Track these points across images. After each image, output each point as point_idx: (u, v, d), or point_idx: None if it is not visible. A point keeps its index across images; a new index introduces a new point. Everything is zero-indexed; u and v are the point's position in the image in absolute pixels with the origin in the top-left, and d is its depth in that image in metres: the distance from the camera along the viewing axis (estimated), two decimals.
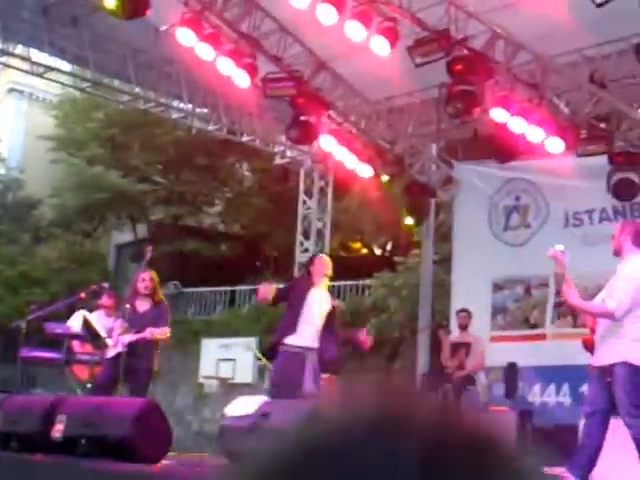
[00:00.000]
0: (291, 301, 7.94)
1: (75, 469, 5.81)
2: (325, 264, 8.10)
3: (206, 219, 22.71)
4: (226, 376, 12.99)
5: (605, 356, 6.09)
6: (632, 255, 6.21)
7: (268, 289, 7.98)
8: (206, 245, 20.48)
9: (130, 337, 8.26)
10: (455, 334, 10.94)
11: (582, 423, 6.25)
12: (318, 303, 7.82)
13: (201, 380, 13.91)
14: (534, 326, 11.94)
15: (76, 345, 9.51)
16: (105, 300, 9.81)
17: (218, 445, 6.31)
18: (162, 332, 8.37)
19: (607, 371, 6.03)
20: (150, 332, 8.23)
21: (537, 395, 11.39)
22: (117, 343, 8.37)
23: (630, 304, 6.07)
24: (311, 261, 8.37)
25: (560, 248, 6.35)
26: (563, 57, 10.08)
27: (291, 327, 7.74)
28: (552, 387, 11.30)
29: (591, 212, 11.53)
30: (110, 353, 8.48)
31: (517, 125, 9.87)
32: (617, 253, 6.33)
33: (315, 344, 7.66)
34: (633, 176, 10.00)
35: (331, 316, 7.86)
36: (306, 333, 7.67)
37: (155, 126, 19.25)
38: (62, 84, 14.22)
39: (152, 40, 10.83)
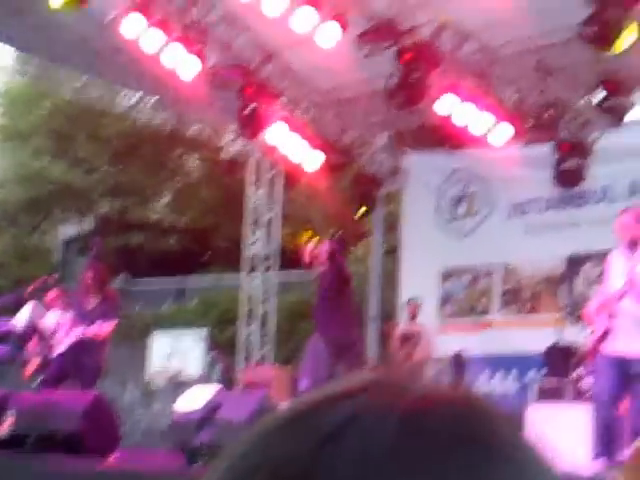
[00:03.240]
0: None
1: (25, 465, 5.72)
2: None
3: (154, 211, 22.54)
4: (176, 369, 12.90)
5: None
6: None
7: None
8: (154, 238, 20.33)
9: (79, 332, 8.19)
10: (404, 324, 11.00)
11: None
12: None
13: (150, 374, 13.80)
14: (481, 314, 12.06)
15: (26, 340, 9.39)
16: (51, 295, 9.66)
17: (169, 438, 6.27)
18: (109, 325, 8.32)
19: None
20: (97, 327, 8.18)
21: (484, 383, 11.51)
22: (66, 338, 8.31)
23: None
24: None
25: None
26: (509, 46, 10.15)
27: None
28: (499, 375, 11.43)
29: (536, 201, 11.67)
30: (59, 349, 8.40)
31: (465, 114, 9.94)
32: (634, 243, 6.19)
33: None
34: (577, 164, 10.13)
35: None
36: None
37: (102, 117, 19.03)
38: (7, 73, 13.96)
39: (99, 29, 10.68)
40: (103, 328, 8.24)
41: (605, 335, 6.03)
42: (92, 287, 8.48)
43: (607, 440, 6.07)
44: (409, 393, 0.55)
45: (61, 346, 8.39)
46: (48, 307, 9.66)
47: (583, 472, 6.05)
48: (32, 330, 9.02)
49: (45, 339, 8.88)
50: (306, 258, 8.16)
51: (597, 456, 6.09)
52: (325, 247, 8.21)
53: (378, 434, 0.53)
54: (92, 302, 8.47)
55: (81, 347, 8.20)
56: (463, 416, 0.55)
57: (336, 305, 7.81)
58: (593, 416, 6.17)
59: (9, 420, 6.09)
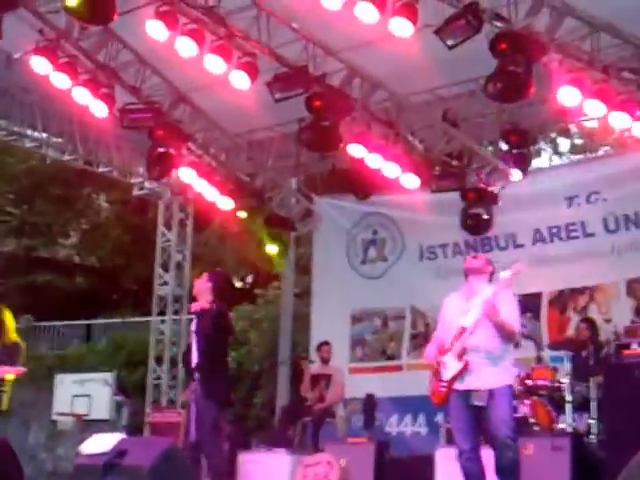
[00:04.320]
0: None
1: None
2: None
3: (61, 251, 22.12)
4: (81, 412, 12.62)
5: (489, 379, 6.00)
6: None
7: None
8: (61, 277, 19.95)
9: None
10: (316, 366, 11.01)
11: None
12: None
13: (55, 417, 13.46)
14: (391, 357, 12.18)
15: None
16: None
17: None
18: (16, 371, 8.12)
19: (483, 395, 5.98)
20: (4, 370, 7.99)
21: (394, 425, 11.59)
22: None
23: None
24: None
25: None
26: (417, 96, 10.40)
27: None
28: (409, 417, 11.53)
29: (445, 246, 11.89)
30: None
31: (374, 161, 10.11)
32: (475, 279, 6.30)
33: None
34: (483, 212, 10.40)
35: None
36: None
37: (7, 155, 18.68)
38: None
39: (4, 67, 10.55)
40: (7, 372, 8.06)
41: (460, 374, 6.05)
42: None
43: None
44: None
45: None
46: None
47: None
48: None
49: None
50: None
51: None
52: (205, 283, 7.37)
53: None
54: None
55: None
56: None
57: (216, 355, 7.15)
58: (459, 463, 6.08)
59: None
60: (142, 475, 5.20)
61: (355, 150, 10.03)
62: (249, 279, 21.07)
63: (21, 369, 8.16)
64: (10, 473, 6.06)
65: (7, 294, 9.69)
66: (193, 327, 7.36)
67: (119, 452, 5.47)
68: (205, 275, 7.61)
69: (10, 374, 8.14)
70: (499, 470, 5.90)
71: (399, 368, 11.99)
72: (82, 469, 5.75)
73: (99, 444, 5.72)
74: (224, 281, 7.98)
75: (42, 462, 14.94)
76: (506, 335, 6.01)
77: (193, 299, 7.64)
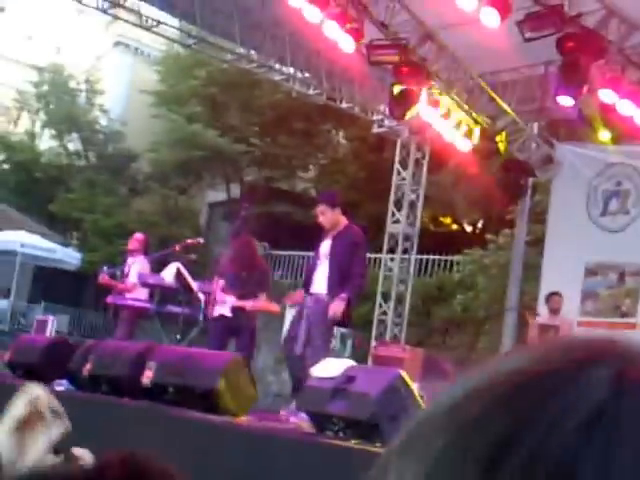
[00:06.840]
0: None
1: (162, 415, 5.96)
2: None
3: (299, 184, 22.83)
4: None
5: None
6: None
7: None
8: (297, 209, 20.59)
9: (234, 302, 8.39)
10: (545, 316, 10.78)
11: None
12: None
13: (284, 342, 14.04)
14: (625, 314, 11.69)
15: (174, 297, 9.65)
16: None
17: (301, 403, 6.39)
18: (263, 299, 8.48)
19: None
20: (253, 305, 8.37)
21: None
22: (221, 303, 8.50)
23: None
24: None
25: None
26: None
27: None
28: None
29: None
30: (216, 312, 8.59)
31: (625, 108, 9.61)
32: None
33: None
34: None
35: None
36: None
37: (255, 87, 19.39)
38: (168, 39, 14.42)
39: (259, 1, 10.90)
40: (256, 307, 8.46)
41: None
42: (244, 256, 8.66)
43: None
44: None
45: (218, 309, 8.59)
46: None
47: None
48: (177, 287, 9.28)
49: (196, 299, 9.12)
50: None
51: None
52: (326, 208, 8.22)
53: None
54: (244, 272, 8.62)
55: (239, 315, 8.47)
56: None
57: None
58: None
59: (149, 371, 6.34)
60: (368, 402, 5.33)
61: (606, 95, 9.56)
62: (480, 224, 20.84)
63: (265, 295, 8.55)
64: (246, 389, 6.38)
65: (248, 220, 10.12)
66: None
67: (348, 378, 5.64)
68: None
69: (262, 306, 8.53)
70: None
71: (633, 326, 11.50)
72: (311, 390, 5.98)
73: (329, 369, 5.92)
74: None
75: (269, 385, 15.69)
76: None
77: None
